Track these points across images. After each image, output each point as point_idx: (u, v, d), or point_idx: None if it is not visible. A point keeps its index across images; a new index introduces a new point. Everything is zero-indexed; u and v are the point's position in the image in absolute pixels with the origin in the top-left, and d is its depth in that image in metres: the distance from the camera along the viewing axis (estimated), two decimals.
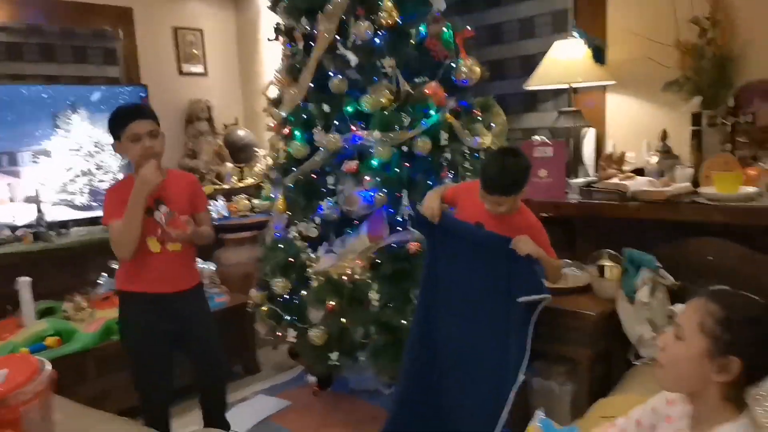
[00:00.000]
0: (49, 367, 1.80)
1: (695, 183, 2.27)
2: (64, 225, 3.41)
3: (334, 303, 2.52)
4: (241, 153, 4.29)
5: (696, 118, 2.34)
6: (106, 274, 3.22)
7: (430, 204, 2.09)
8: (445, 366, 2.12)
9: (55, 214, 3.37)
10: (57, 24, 3.75)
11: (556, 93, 3.02)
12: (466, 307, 2.06)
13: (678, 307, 1.92)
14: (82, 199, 3.50)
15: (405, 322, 2.41)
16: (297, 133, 2.75)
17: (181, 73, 4.35)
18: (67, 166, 3.45)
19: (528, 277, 1.91)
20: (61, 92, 3.44)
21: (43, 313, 2.94)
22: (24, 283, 2.82)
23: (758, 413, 1.46)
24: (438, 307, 2.13)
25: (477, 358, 2.03)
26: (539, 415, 1.54)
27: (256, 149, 4.30)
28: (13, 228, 3.24)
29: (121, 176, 3.63)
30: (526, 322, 1.89)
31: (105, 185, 3.58)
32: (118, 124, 2.10)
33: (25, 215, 3.27)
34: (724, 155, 2.24)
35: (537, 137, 2.54)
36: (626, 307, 2.04)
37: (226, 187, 4.10)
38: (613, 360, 2.24)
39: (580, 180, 2.58)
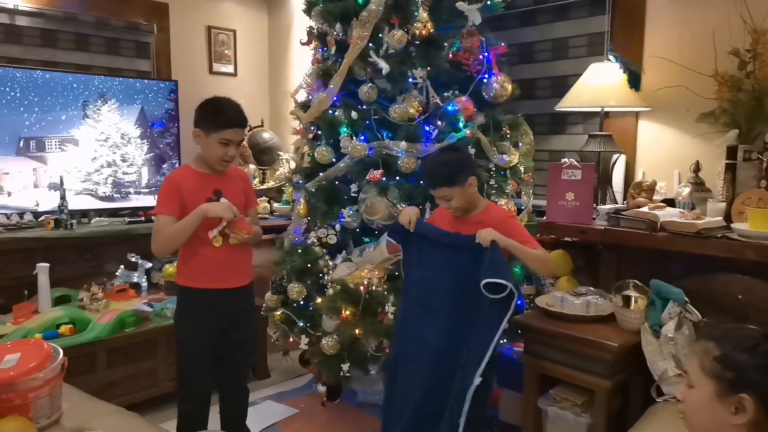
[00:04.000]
0: (61, 355, 1.80)
1: (727, 218, 2.22)
2: (86, 214, 3.42)
3: (348, 312, 2.49)
4: (264, 155, 4.29)
5: (731, 152, 2.28)
6: (123, 266, 3.23)
7: (408, 212, 2.15)
8: (417, 371, 2.08)
9: (78, 202, 3.39)
10: (93, 13, 3.80)
11: (586, 117, 2.98)
12: (436, 312, 2.05)
13: None
14: (105, 190, 3.52)
15: None
16: (323, 138, 2.73)
17: (211, 71, 4.39)
18: (93, 156, 3.48)
19: (492, 261, 1.88)
20: (92, 82, 3.47)
21: (58, 301, 2.95)
22: (43, 268, 2.84)
23: None
24: (409, 314, 2.14)
25: (445, 363, 2.00)
26: None
27: (280, 152, 4.30)
28: (36, 213, 3.26)
29: (146, 170, 3.65)
30: (495, 323, 1.86)
31: (129, 177, 3.60)
32: (218, 121, 2.10)
33: (48, 201, 3.28)
34: (759, 191, 2.18)
35: (566, 159, 2.50)
36: (651, 341, 1.98)
37: None
38: (632, 394, 2.18)
39: (608, 206, 2.52)
